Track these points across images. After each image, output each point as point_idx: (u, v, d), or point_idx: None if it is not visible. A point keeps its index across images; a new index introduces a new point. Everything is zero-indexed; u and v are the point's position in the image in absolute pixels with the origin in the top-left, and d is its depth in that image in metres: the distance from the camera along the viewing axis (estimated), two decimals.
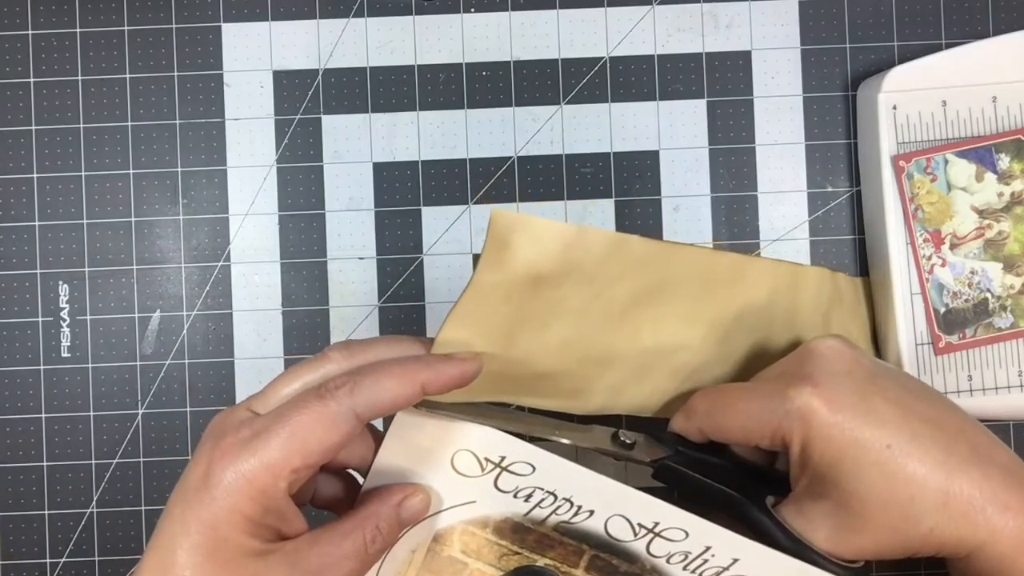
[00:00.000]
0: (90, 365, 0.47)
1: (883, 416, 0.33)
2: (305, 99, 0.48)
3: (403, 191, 0.47)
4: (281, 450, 0.27)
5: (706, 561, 0.33)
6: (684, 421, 0.38)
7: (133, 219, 0.47)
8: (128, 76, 0.48)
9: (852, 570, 0.34)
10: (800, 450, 0.34)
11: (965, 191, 0.45)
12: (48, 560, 0.47)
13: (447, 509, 0.34)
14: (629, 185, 0.47)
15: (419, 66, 0.48)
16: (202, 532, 0.27)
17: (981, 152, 0.45)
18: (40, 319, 0.47)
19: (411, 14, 0.48)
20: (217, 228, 0.47)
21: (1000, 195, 0.45)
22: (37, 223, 0.47)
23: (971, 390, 0.45)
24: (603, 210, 0.47)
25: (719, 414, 0.36)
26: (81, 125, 0.47)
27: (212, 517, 0.27)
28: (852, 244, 0.48)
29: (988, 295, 0.45)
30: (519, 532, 0.34)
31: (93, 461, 0.47)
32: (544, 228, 0.32)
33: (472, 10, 0.48)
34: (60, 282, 0.47)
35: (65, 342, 0.47)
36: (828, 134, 0.48)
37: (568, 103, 0.48)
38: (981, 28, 0.48)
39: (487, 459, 0.33)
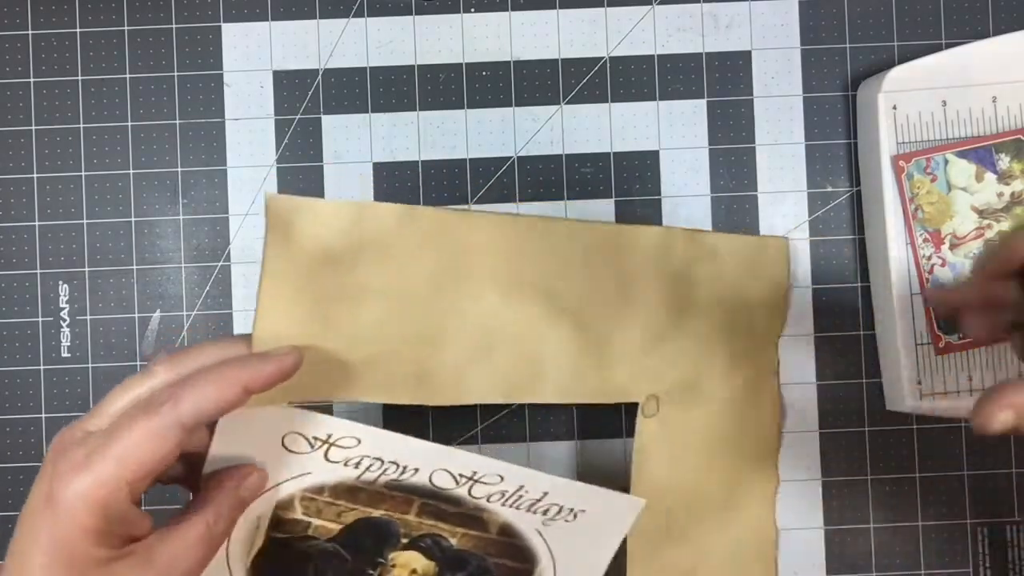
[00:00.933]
0: (90, 365, 0.47)
1: None
2: (305, 99, 0.48)
3: (403, 191, 0.47)
4: (114, 467, 0.29)
5: (521, 496, 0.37)
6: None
7: (133, 219, 0.47)
8: (128, 76, 0.48)
9: None
10: None
11: (965, 191, 0.45)
12: None
13: (285, 482, 0.36)
14: (629, 185, 0.47)
15: (419, 66, 0.48)
16: (52, 548, 0.29)
17: (981, 152, 0.45)
18: (40, 319, 0.47)
19: (411, 14, 0.48)
20: (217, 228, 0.47)
21: (1000, 195, 0.45)
22: (37, 223, 0.47)
23: (971, 390, 0.45)
24: (603, 210, 0.47)
25: None
26: (81, 125, 0.47)
27: (59, 533, 0.29)
28: (852, 244, 0.48)
29: None
30: (353, 492, 0.37)
31: None
32: (324, 207, 0.35)
33: (472, 10, 0.48)
34: (60, 282, 0.47)
35: (65, 342, 0.47)
36: (828, 134, 0.48)
37: (568, 103, 0.48)
38: (981, 28, 0.48)
39: (315, 438, 0.35)
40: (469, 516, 0.37)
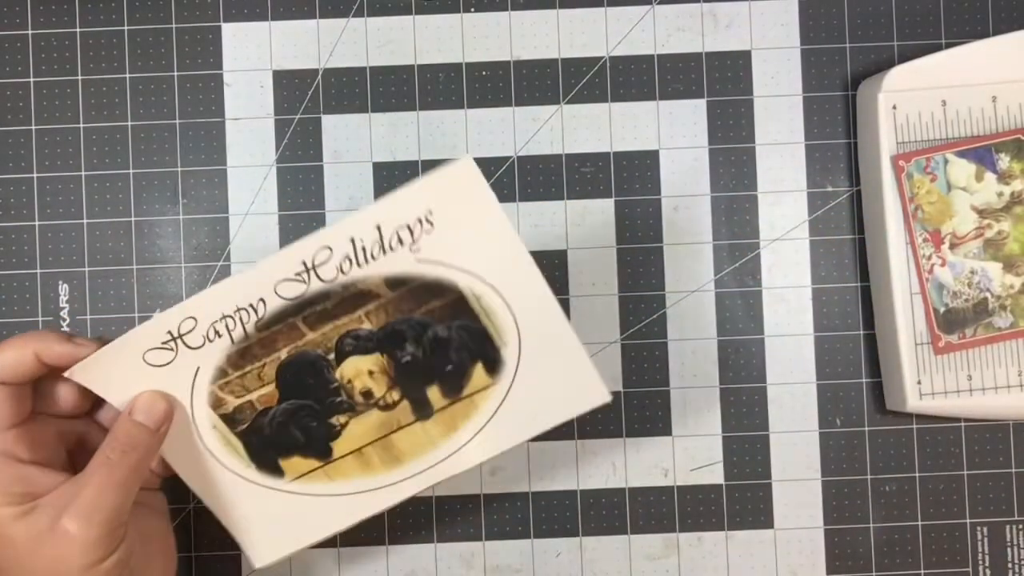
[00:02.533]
0: None
1: None
2: (305, 99, 0.48)
3: None
4: None
5: (364, 246, 0.36)
6: None
7: (133, 219, 0.47)
8: (128, 76, 0.48)
9: None
10: None
11: (965, 191, 0.45)
12: None
13: (188, 387, 0.38)
14: (629, 185, 0.47)
15: (419, 66, 0.48)
16: None
17: (981, 152, 0.45)
18: (40, 319, 0.47)
19: (411, 14, 0.48)
20: (217, 228, 0.47)
21: (1000, 195, 0.45)
22: (37, 223, 0.47)
23: (971, 390, 0.45)
24: (603, 210, 0.47)
25: None
26: (81, 125, 0.47)
27: None
28: (852, 244, 0.48)
29: (988, 295, 0.45)
30: (244, 354, 0.37)
31: None
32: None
33: (472, 10, 0.48)
34: (60, 282, 0.47)
35: None
36: (828, 134, 0.48)
37: (568, 103, 0.48)
38: (981, 28, 0.48)
39: (163, 343, 0.37)
40: (352, 297, 0.37)
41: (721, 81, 0.48)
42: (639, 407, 0.47)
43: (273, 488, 0.39)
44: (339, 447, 0.39)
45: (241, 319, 0.37)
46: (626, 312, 0.47)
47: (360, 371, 0.38)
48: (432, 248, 0.37)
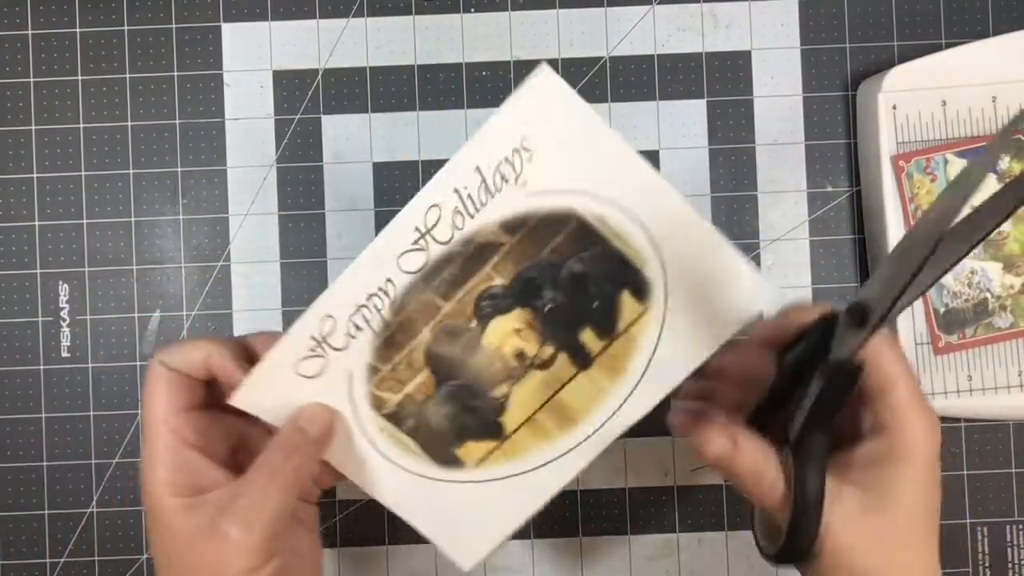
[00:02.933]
0: (90, 365, 0.47)
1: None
2: (305, 99, 0.48)
3: (403, 191, 0.47)
4: (148, 407, 0.34)
5: (470, 194, 0.35)
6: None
7: (133, 219, 0.47)
8: (128, 76, 0.48)
9: (802, 556, 0.32)
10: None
11: None
12: (48, 560, 0.47)
13: (346, 394, 0.36)
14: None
15: (419, 66, 0.48)
16: (147, 503, 0.34)
17: (981, 152, 0.45)
18: (40, 319, 0.47)
19: (411, 14, 0.48)
20: (217, 228, 0.47)
21: None
22: (37, 223, 0.47)
23: (971, 390, 0.45)
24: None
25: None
26: (81, 125, 0.47)
27: (149, 489, 0.33)
28: (852, 244, 0.48)
29: (988, 295, 0.45)
30: (390, 344, 0.36)
31: (93, 461, 0.47)
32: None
33: (472, 10, 0.48)
34: (60, 282, 0.47)
35: (65, 342, 0.47)
36: (828, 134, 0.48)
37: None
38: (981, 28, 0.48)
39: (311, 351, 0.36)
40: (475, 253, 0.35)
41: (721, 81, 0.48)
42: None
43: (458, 481, 0.37)
44: (509, 420, 0.36)
45: (376, 306, 0.35)
46: None
47: (506, 332, 0.36)
48: (538, 177, 0.34)
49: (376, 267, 0.35)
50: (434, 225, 0.35)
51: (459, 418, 0.37)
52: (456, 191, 0.34)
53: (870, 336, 0.30)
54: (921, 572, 0.32)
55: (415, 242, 0.35)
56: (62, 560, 0.47)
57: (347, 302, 0.35)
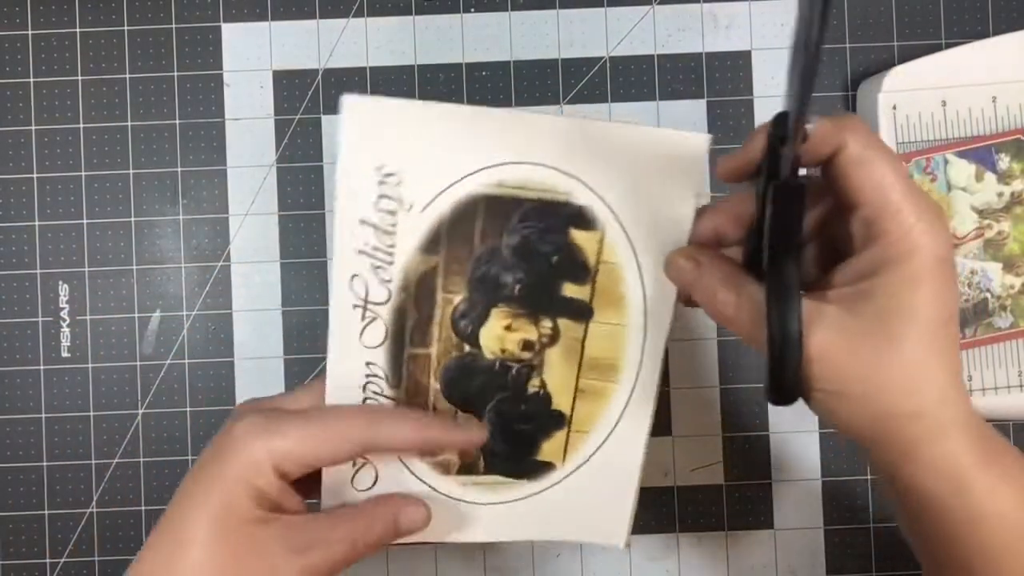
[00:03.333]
0: (90, 365, 0.47)
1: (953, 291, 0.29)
2: (305, 99, 0.48)
3: None
4: (292, 444, 0.31)
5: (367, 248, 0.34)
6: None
7: (133, 219, 0.47)
8: (128, 76, 0.48)
9: (789, 393, 0.29)
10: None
11: (965, 191, 0.45)
12: (48, 560, 0.47)
13: (413, 471, 0.36)
14: None
15: (419, 66, 0.48)
16: (215, 496, 0.31)
17: (981, 152, 0.45)
18: (40, 319, 0.47)
19: (411, 14, 0.48)
20: (217, 228, 0.47)
21: (1000, 195, 0.45)
22: (37, 223, 0.47)
23: (971, 390, 0.45)
24: None
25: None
26: (81, 125, 0.47)
27: (226, 484, 0.31)
28: None
29: (988, 295, 0.45)
30: (412, 394, 0.35)
31: (93, 461, 0.47)
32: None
33: (472, 10, 0.48)
34: (60, 282, 0.47)
35: (65, 342, 0.47)
36: None
37: (568, 103, 0.48)
38: (981, 28, 0.48)
39: (355, 468, 0.35)
40: (419, 293, 0.35)
41: (721, 81, 0.48)
42: None
43: (557, 483, 0.36)
44: (562, 404, 0.36)
45: (377, 391, 0.35)
46: None
47: (499, 336, 0.35)
48: (419, 191, 0.34)
49: (348, 359, 0.35)
50: (367, 292, 0.34)
51: (519, 432, 0.36)
52: (361, 252, 0.34)
53: (798, 144, 0.28)
54: (935, 394, 0.28)
55: (363, 317, 0.34)
56: (62, 560, 0.47)
57: (351, 398, 0.35)
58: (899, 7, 0.48)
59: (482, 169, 0.34)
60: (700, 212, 0.34)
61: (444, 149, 0.34)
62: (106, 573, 0.47)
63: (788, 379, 0.28)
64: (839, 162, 0.29)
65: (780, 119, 0.28)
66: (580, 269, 0.35)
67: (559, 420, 0.36)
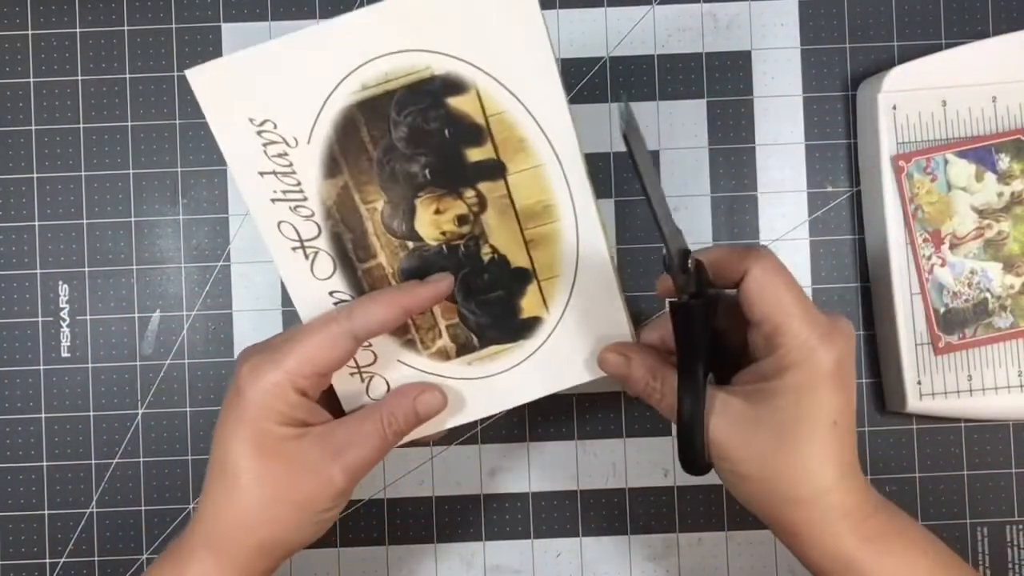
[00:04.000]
0: (90, 365, 0.47)
1: (849, 379, 0.34)
2: None
3: None
4: (294, 363, 0.34)
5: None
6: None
7: (133, 219, 0.47)
8: (128, 76, 0.48)
9: (697, 466, 0.34)
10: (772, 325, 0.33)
11: (965, 191, 0.45)
12: (48, 560, 0.47)
13: (413, 366, 0.38)
14: (629, 185, 0.47)
15: None
16: (245, 428, 0.34)
17: (981, 152, 0.45)
18: (40, 319, 0.47)
19: None
20: (217, 228, 0.47)
21: (1000, 195, 0.45)
22: (37, 223, 0.47)
23: (971, 390, 0.45)
24: (603, 210, 0.47)
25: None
26: (81, 125, 0.47)
27: (251, 415, 0.34)
28: (852, 244, 0.48)
29: (988, 295, 0.45)
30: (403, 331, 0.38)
31: (93, 461, 0.47)
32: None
33: None
34: (60, 282, 0.47)
35: (65, 342, 0.47)
36: (828, 134, 0.48)
37: (568, 103, 0.47)
38: (981, 28, 0.48)
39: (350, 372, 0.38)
40: (344, 215, 0.36)
41: (721, 81, 0.48)
42: (639, 407, 0.47)
43: (552, 332, 0.38)
44: (518, 260, 0.37)
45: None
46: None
47: (432, 222, 0.37)
48: (293, 124, 0.35)
49: (312, 297, 0.37)
50: (298, 233, 0.36)
51: (494, 300, 0.38)
52: (274, 200, 0.36)
53: (679, 277, 0.34)
54: (820, 484, 0.32)
55: (306, 255, 0.36)
56: (62, 560, 0.47)
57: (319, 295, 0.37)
58: (899, 7, 0.48)
59: (341, 81, 0.35)
60: (648, 324, 0.38)
61: (298, 78, 0.35)
62: (106, 573, 0.47)
63: (694, 454, 0.34)
64: (744, 286, 0.34)
65: (683, 256, 0.34)
66: (474, 132, 0.35)
67: (524, 275, 0.37)
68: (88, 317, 0.47)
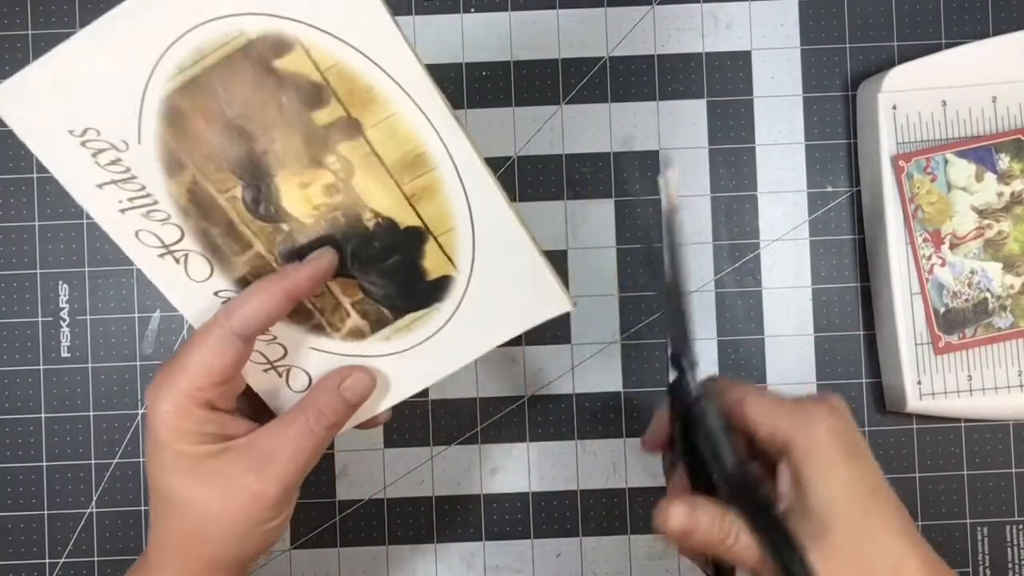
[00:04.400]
0: (90, 365, 0.47)
1: (875, 476, 0.33)
2: None
3: None
4: (186, 379, 0.33)
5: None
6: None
7: None
8: None
9: None
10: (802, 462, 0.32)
11: (965, 191, 0.45)
12: (48, 560, 0.47)
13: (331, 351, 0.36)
14: (629, 185, 0.47)
15: None
16: (161, 454, 0.33)
17: (981, 152, 0.45)
18: (40, 319, 0.47)
19: (411, 14, 0.48)
20: None
21: (1000, 195, 0.45)
22: (37, 223, 0.47)
23: (971, 390, 0.45)
24: (603, 210, 0.47)
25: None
26: None
27: (163, 440, 0.33)
28: (852, 244, 0.48)
29: (988, 295, 0.45)
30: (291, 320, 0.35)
31: (93, 461, 0.47)
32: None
33: (472, 10, 0.48)
34: (60, 282, 0.47)
35: (65, 342, 0.47)
36: (828, 134, 0.48)
37: (568, 103, 0.48)
38: (981, 28, 0.48)
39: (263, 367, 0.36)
40: (199, 207, 0.34)
41: (721, 81, 0.48)
42: (639, 407, 0.47)
43: (467, 289, 0.35)
44: (406, 219, 0.34)
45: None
46: (626, 312, 0.47)
47: (301, 197, 0.34)
48: (113, 127, 0.32)
49: (195, 301, 0.35)
50: (160, 238, 0.34)
51: (393, 266, 0.35)
52: (123, 210, 0.33)
53: (694, 380, 0.33)
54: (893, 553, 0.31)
55: (176, 260, 0.34)
56: (62, 560, 0.47)
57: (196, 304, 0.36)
58: (899, 7, 0.48)
59: (152, 71, 0.32)
60: (671, 468, 0.37)
61: (108, 77, 0.32)
62: (106, 573, 0.47)
63: None
64: (742, 413, 0.33)
65: (675, 384, 0.34)
66: (313, 92, 0.32)
67: (418, 234, 0.34)
68: (88, 317, 0.47)
